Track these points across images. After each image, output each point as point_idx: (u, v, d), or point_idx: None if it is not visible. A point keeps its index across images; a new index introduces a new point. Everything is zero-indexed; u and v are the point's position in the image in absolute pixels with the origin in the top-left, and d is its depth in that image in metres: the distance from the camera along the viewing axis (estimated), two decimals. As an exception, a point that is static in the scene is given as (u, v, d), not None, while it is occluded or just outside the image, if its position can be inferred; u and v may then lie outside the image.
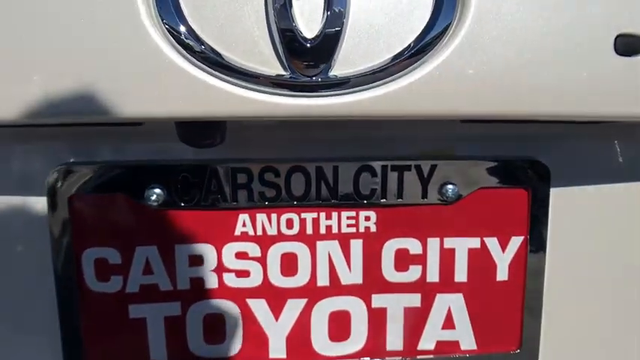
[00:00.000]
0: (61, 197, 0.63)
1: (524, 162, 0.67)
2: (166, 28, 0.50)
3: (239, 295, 0.67)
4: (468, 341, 0.70)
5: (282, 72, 0.52)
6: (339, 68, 0.52)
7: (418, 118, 0.54)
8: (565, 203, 0.68)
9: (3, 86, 0.50)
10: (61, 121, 0.52)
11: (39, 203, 0.63)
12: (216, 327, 0.68)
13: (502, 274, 0.69)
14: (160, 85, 0.51)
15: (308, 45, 0.50)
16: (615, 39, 0.53)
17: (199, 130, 0.56)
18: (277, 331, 0.68)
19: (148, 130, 0.62)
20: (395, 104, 0.52)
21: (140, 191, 0.64)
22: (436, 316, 0.70)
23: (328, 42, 0.51)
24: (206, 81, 0.51)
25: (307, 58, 0.51)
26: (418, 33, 0.52)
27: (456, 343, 0.70)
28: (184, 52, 0.51)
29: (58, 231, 0.64)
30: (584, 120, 0.58)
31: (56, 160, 0.63)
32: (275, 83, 0.52)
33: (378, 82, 0.52)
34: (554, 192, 0.67)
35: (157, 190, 0.64)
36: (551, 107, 0.54)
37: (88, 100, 0.50)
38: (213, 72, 0.51)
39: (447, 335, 0.70)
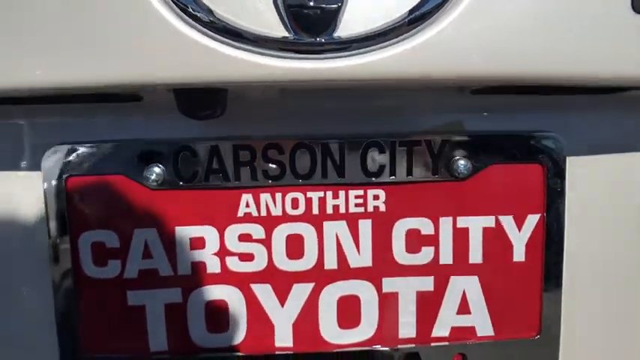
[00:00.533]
0: (58, 178, 0.61)
1: (538, 136, 0.64)
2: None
3: (243, 280, 0.64)
4: (484, 327, 0.67)
5: (285, 34, 0.49)
6: (344, 30, 0.50)
7: (423, 81, 0.51)
8: (582, 178, 0.65)
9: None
10: (56, 89, 0.50)
11: (35, 185, 0.61)
12: (219, 314, 0.65)
13: (519, 255, 0.65)
14: (161, 50, 0.49)
15: (311, 3, 0.48)
16: (633, -4, 0.51)
17: (199, 100, 0.54)
18: (283, 318, 0.65)
19: (147, 106, 0.60)
20: (400, 66, 0.50)
21: (139, 171, 0.61)
22: (450, 301, 0.66)
23: (333, 2, 0.49)
24: (208, 45, 0.49)
25: (311, 20, 0.49)
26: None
27: (471, 329, 0.67)
28: (185, 16, 0.49)
29: (54, 214, 0.61)
30: (599, 85, 0.55)
31: (52, 139, 0.61)
32: (279, 46, 0.49)
33: (383, 44, 0.50)
34: (570, 167, 0.64)
35: (157, 170, 0.61)
36: (564, 70, 0.52)
37: (85, 65, 0.48)
38: (216, 36, 0.49)
39: (463, 321, 0.66)
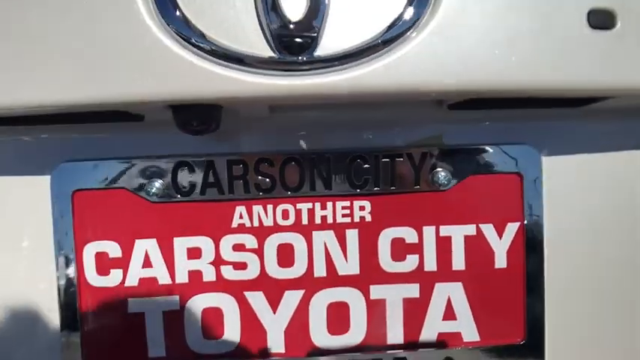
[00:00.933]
0: (65, 192, 0.66)
1: (514, 148, 0.68)
2: (162, 17, 0.54)
3: (237, 288, 0.67)
4: (470, 333, 0.69)
5: (271, 54, 0.55)
6: (323, 49, 0.55)
7: (397, 94, 0.56)
8: (558, 186, 0.68)
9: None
10: (63, 107, 0.55)
11: (43, 198, 0.66)
12: (215, 321, 0.68)
13: (501, 262, 0.68)
14: (159, 71, 0.54)
15: (292, 27, 0.54)
16: (588, 14, 0.56)
17: (194, 117, 0.58)
18: (275, 324, 0.68)
19: (147, 125, 0.66)
20: (375, 81, 0.54)
21: (140, 185, 0.66)
22: (436, 307, 0.69)
23: (312, 23, 0.54)
24: (201, 65, 0.54)
25: (293, 41, 0.54)
26: (398, 13, 0.55)
27: (458, 335, 0.69)
28: (180, 39, 0.54)
29: (60, 225, 0.66)
30: (562, 95, 0.60)
31: (61, 156, 0.66)
32: (265, 65, 0.54)
33: (359, 61, 0.54)
34: (546, 175, 0.68)
35: (156, 184, 0.66)
36: (529, 81, 0.56)
37: (84, 84, 0.53)
38: (208, 57, 0.54)
39: (449, 326, 0.69)
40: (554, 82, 0.55)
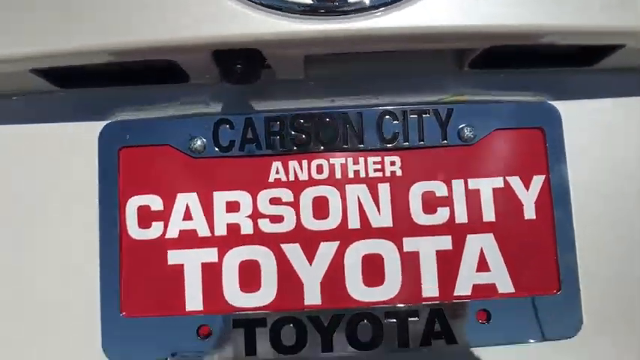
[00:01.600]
0: (111, 149, 0.70)
1: (534, 105, 0.72)
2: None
3: (274, 241, 0.69)
4: (504, 284, 0.69)
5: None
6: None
7: (431, 38, 0.61)
8: (579, 140, 0.72)
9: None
10: (111, 52, 0.60)
11: (91, 155, 0.70)
12: (252, 274, 0.69)
13: (529, 213, 0.70)
14: (197, 16, 0.59)
15: (330, -26, 0.60)
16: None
17: (236, 65, 0.63)
18: (311, 276, 0.69)
19: (191, 86, 0.71)
20: (404, 24, 0.60)
21: (183, 142, 0.70)
22: (469, 259, 0.70)
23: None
24: (242, 10, 0.60)
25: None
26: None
27: (492, 286, 0.69)
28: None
29: (106, 180, 0.69)
30: (576, 41, 0.64)
31: (109, 116, 0.71)
32: (301, 9, 0.60)
33: (391, 6, 0.60)
34: (566, 131, 0.71)
35: (199, 141, 0.70)
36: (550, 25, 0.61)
37: (132, 30, 0.59)
38: (250, 2, 0.60)
39: (483, 278, 0.69)
40: (573, 26, 0.60)
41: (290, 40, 0.60)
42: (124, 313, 0.68)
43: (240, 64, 0.62)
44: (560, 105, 0.72)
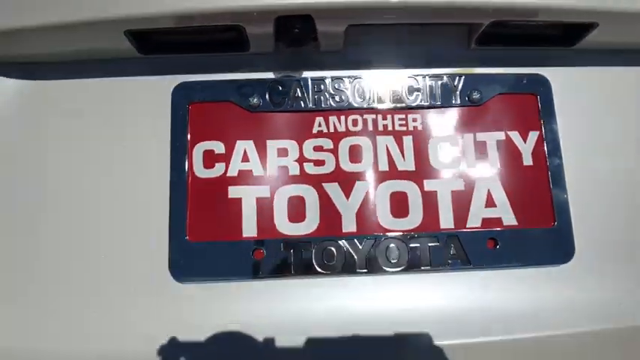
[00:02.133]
0: (182, 104, 0.84)
1: (529, 75, 0.88)
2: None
3: (316, 180, 0.83)
4: (508, 218, 0.83)
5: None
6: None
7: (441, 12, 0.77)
8: (567, 104, 0.87)
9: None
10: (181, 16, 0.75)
11: (165, 109, 0.84)
12: (298, 207, 0.82)
13: (527, 160, 0.85)
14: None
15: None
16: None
17: (295, 30, 0.79)
18: (348, 209, 0.82)
19: (250, 55, 0.86)
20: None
21: (243, 99, 0.85)
22: (479, 197, 0.84)
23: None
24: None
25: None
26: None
27: (498, 220, 0.83)
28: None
29: (177, 129, 0.83)
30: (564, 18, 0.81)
31: (181, 77, 0.85)
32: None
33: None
34: (556, 96, 0.87)
35: (255, 99, 0.85)
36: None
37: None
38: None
39: (490, 213, 0.83)
40: (552, 4, 0.77)
41: (338, 8, 0.76)
42: (189, 238, 0.80)
43: (297, 28, 0.78)
44: (550, 76, 0.88)
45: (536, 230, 0.83)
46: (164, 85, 0.85)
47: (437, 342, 0.79)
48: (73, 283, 0.79)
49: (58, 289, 0.79)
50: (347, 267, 0.80)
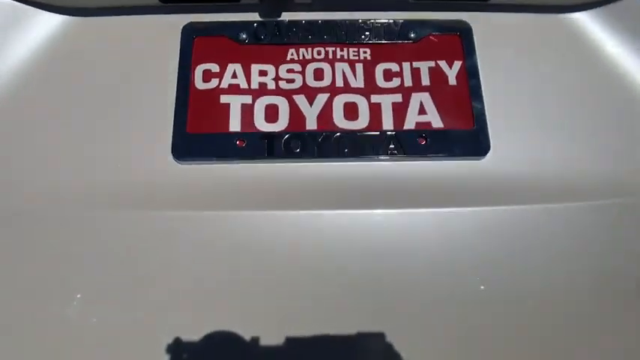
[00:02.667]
0: (189, 37, 1.11)
1: (454, 21, 1.14)
2: None
3: (288, 93, 1.08)
4: (436, 122, 1.06)
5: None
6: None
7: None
8: (485, 41, 1.13)
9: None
10: None
11: (175, 40, 1.11)
12: (273, 111, 1.07)
13: (452, 81, 1.09)
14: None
15: None
16: None
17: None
18: (311, 113, 1.06)
19: (242, 4, 1.14)
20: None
21: (235, 35, 1.12)
22: (413, 107, 1.07)
23: None
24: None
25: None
26: None
27: (429, 123, 1.06)
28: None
29: (184, 54, 1.10)
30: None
31: (189, 17, 1.13)
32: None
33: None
34: (476, 37, 1.13)
35: (244, 36, 1.12)
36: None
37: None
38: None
39: (422, 118, 1.07)
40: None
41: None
42: (188, 130, 1.05)
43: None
44: (471, 21, 1.14)
45: (459, 131, 1.06)
46: (176, 23, 1.13)
47: (376, 210, 1.01)
48: (98, 149, 1.04)
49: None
50: (308, 154, 1.04)
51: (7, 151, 1.05)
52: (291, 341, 0.97)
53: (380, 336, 0.98)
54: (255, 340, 0.98)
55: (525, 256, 1.02)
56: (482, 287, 1.00)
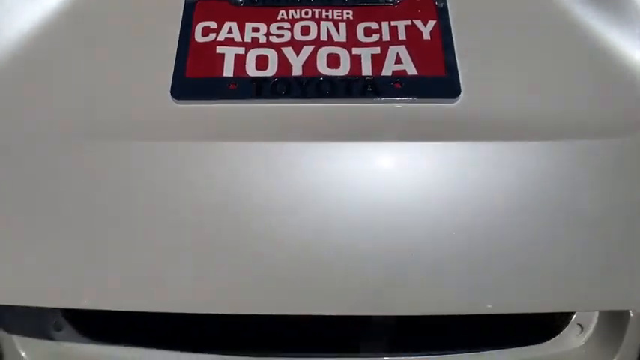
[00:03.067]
0: (191, 3, 1.26)
1: (430, -13, 1.27)
2: None
3: (277, 46, 1.20)
4: (411, 70, 1.17)
5: None
6: None
7: None
8: (457, 5, 1.24)
9: None
10: None
11: (180, 3, 1.25)
12: (263, 61, 1.18)
13: (427, 37, 1.20)
14: None
15: None
16: None
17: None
18: (297, 61, 1.18)
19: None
20: None
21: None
22: (390, 58, 1.18)
23: None
24: None
25: None
26: None
27: (404, 71, 1.17)
28: None
29: (186, 16, 1.24)
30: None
31: (193, -13, 1.28)
32: None
33: None
34: (449, 2, 1.25)
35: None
36: None
37: None
38: None
39: (398, 67, 1.17)
40: None
41: None
42: (186, 74, 1.17)
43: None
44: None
45: (432, 77, 1.16)
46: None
47: (357, 141, 1.10)
48: (102, 89, 1.16)
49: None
50: (292, 95, 1.14)
51: (16, 90, 1.18)
52: (279, 263, 1.05)
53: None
54: (247, 264, 1.06)
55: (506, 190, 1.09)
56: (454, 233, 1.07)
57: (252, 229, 1.08)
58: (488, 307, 1.07)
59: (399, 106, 1.15)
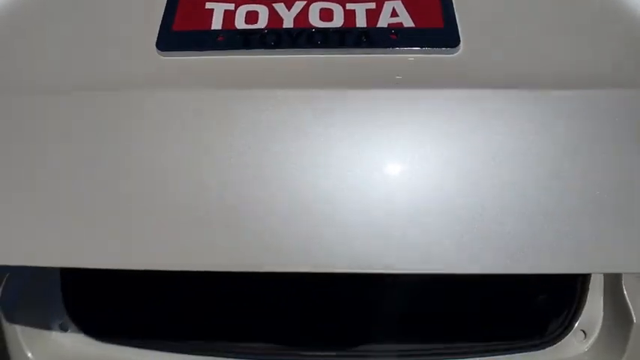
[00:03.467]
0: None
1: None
2: None
3: (269, 2, 1.15)
4: (408, 22, 1.11)
5: None
6: None
7: None
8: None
9: None
10: None
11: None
12: (253, 16, 1.13)
13: (427, -4, 1.16)
14: None
15: None
16: None
17: None
18: (289, 16, 1.12)
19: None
20: None
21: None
22: (386, 12, 1.13)
23: None
24: None
25: None
26: None
27: (400, 24, 1.11)
28: None
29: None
30: None
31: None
32: None
33: None
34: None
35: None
36: None
37: None
38: None
39: (394, 19, 1.12)
40: None
41: None
42: (174, 28, 1.12)
43: None
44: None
45: (429, 29, 1.10)
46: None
47: (348, 89, 1.03)
48: (90, 42, 1.11)
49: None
50: (283, 45, 1.09)
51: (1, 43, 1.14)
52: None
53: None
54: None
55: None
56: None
57: (241, 180, 1.00)
58: (489, 267, 0.96)
59: (395, 54, 1.08)
